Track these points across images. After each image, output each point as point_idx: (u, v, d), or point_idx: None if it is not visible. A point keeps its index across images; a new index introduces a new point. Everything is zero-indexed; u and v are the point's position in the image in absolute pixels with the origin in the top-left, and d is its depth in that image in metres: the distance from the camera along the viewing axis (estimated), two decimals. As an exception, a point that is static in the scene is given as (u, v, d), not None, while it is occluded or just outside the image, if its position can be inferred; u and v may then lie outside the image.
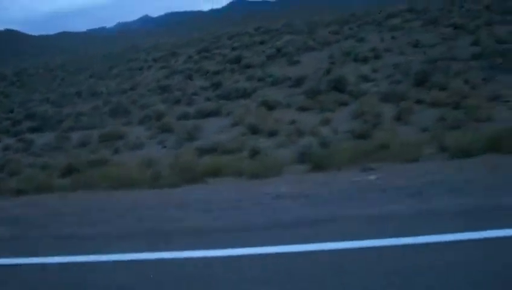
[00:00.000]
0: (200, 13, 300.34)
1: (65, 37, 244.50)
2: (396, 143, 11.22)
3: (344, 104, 17.73)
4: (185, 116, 21.01)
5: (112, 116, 25.33)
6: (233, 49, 38.96)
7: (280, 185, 6.57)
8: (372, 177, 7.01)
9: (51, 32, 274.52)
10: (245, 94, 22.46)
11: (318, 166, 9.60)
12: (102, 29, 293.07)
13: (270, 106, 19.13)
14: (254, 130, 15.71)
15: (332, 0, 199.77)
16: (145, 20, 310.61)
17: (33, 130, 25.90)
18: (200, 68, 33.10)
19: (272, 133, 15.14)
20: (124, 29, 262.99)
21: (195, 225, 4.93)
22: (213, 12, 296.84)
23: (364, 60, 25.44)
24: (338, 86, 19.37)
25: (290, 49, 32.33)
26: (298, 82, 22.76)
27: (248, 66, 30.22)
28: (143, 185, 8.99)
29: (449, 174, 6.62)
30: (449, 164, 8.24)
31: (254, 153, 12.58)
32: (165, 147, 16.75)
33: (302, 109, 18.20)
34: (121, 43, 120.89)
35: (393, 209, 4.73)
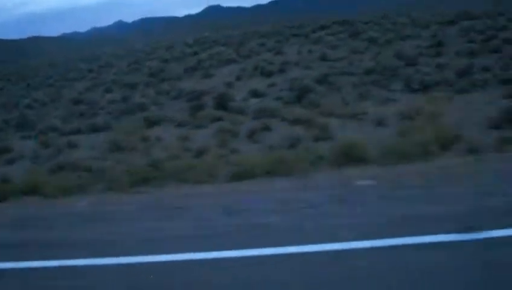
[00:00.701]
0: (174, 19, 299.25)
1: (37, 41, 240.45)
2: (207, 164, 11.48)
3: (220, 120, 17.95)
4: (77, 131, 20.98)
5: (17, 129, 25.13)
6: (164, 61, 39.01)
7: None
8: (83, 203, 7.22)
9: (23, 36, 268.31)
10: (142, 109, 22.50)
11: (110, 188, 9.81)
12: (76, 33, 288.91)
13: (152, 122, 19.26)
14: (118, 147, 15.80)
15: (306, 8, 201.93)
16: (120, 25, 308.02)
17: None
18: (122, 80, 33.06)
19: (132, 150, 15.25)
20: (97, 34, 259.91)
21: None
22: (188, 18, 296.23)
23: (269, 75, 25.73)
24: (221, 102, 19.58)
25: (211, 62, 32.53)
26: (198, 96, 22.90)
27: (165, 79, 30.29)
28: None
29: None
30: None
31: (88, 171, 12.73)
32: (35, 162, 16.74)
33: (180, 125, 18.37)
34: (93, 48, 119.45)
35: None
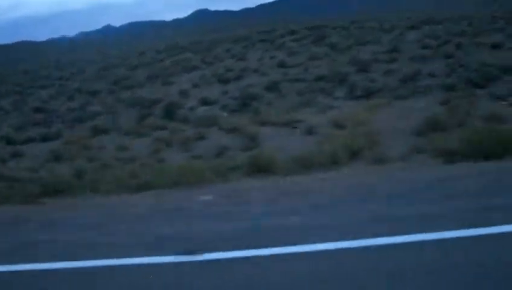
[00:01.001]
0: (162, 23, 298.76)
1: (24, 46, 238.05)
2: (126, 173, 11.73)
3: (163, 128, 18.20)
4: (30, 140, 21.16)
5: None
6: (132, 68, 39.21)
7: None
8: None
9: (11, 40, 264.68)
10: (96, 117, 22.73)
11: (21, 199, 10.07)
12: (64, 38, 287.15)
13: (100, 130, 19.48)
14: (56, 157, 16.03)
15: (293, 12, 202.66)
16: (108, 29, 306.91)
17: None
18: (86, 88, 33.23)
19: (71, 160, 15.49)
20: (85, 39, 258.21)
21: None
22: (176, 22, 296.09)
23: (226, 82, 26.05)
24: (169, 110, 19.86)
25: (175, 69, 32.81)
26: (150, 104, 23.16)
27: (127, 87, 30.50)
28: None
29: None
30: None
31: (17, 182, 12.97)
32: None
33: (126, 133, 18.61)
34: (81, 53, 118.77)
35: None
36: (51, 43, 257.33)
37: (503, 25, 35.19)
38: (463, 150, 8.87)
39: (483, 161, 7.83)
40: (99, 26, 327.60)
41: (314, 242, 3.64)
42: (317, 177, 8.61)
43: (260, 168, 10.41)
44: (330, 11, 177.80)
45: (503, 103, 17.01)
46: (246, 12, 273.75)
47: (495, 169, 6.88)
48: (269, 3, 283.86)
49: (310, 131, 15.08)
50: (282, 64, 27.93)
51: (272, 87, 22.07)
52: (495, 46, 27.24)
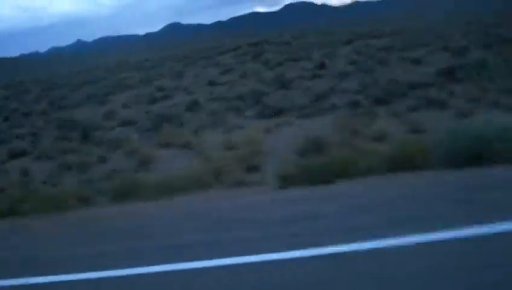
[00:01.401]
0: (135, 37, 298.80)
1: None
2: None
3: (74, 151, 18.71)
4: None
5: None
6: (75, 87, 39.46)
7: None
8: None
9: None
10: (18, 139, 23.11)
11: None
12: (35, 53, 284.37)
13: (17, 154, 19.87)
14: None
15: (266, 24, 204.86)
16: (79, 44, 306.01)
17: None
18: (24, 109, 33.47)
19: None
20: (57, 54, 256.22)
21: None
22: (148, 36, 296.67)
23: (154, 101, 26.65)
24: (85, 132, 20.36)
25: (113, 88, 33.29)
26: (74, 126, 23.60)
27: (65, 107, 30.85)
28: None
29: None
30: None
31: None
32: None
33: (39, 157, 19.05)
34: (52, 69, 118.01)
35: None
36: (22, 59, 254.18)
37: (432, 39, 36.38)
38: (299, 175, 9.52)
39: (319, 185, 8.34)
40: (70, 41, 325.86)
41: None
42: (154, 204, 9.25)
43: (124, 193, 11.00)
44: (303, 24, 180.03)
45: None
46: (218, 25, 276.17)
47: (299, 196, 7.35)
48: (240, 16, 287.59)
49: (204, 153, 15.76)
50: (212, 83, 28.64)
51: (193, 106, 22.71)
52: (415, 61, 28.37)
